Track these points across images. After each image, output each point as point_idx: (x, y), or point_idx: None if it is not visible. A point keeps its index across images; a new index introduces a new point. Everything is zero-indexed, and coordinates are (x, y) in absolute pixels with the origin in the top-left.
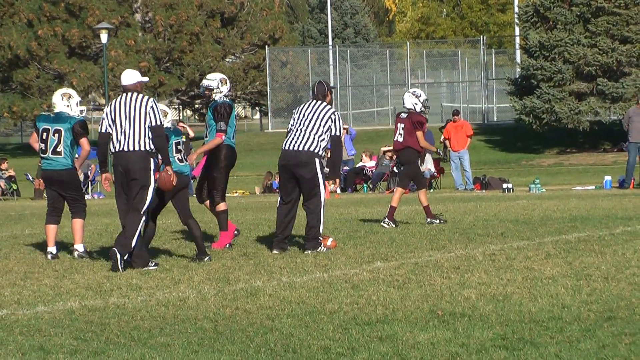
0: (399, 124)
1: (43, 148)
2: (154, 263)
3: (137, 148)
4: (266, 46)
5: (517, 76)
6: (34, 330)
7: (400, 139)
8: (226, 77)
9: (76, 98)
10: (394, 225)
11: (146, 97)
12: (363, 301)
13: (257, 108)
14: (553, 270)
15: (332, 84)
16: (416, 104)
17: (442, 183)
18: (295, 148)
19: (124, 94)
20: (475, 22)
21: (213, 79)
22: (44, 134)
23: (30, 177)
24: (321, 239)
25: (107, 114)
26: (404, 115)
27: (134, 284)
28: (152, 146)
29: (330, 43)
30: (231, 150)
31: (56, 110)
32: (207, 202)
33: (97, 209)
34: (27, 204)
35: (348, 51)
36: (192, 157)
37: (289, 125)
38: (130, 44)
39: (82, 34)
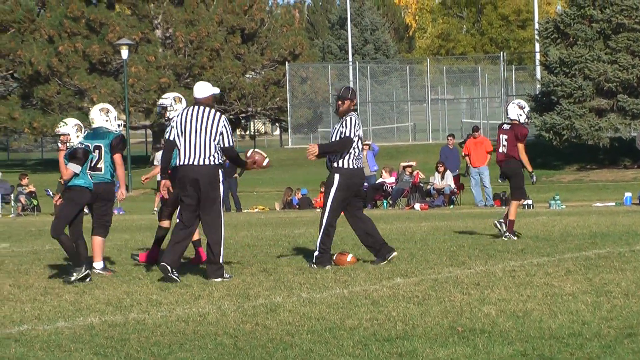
0: (501, 136)
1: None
2: (228, 275)
3: (206, 162)
4: (286, 62)
5: (537, 92)
6: (54, 346)
7: (504, 150)
8: (181, 96)
9: (114, 112)
10: (514, 238)
11: (219, 114)
12: (383, 317)
13: (277, 124)
14: (573, 287)
15: None
16: (520, 115)
17: (462, 199)
18: None
19: (196, 106)
20: (496, 39)
21: (167, 97)
22: None
23: (51, 193)
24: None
25: (177, 123)
26: (506, 126)
27: (154, 300)
28: (220, 160)
29: (350, 59)
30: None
31: (94, 125)
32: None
33: (117, 225)
34: (48, 220)
35: (368, 67)
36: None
37: None
38: (150, 59)
39: (102, 50)
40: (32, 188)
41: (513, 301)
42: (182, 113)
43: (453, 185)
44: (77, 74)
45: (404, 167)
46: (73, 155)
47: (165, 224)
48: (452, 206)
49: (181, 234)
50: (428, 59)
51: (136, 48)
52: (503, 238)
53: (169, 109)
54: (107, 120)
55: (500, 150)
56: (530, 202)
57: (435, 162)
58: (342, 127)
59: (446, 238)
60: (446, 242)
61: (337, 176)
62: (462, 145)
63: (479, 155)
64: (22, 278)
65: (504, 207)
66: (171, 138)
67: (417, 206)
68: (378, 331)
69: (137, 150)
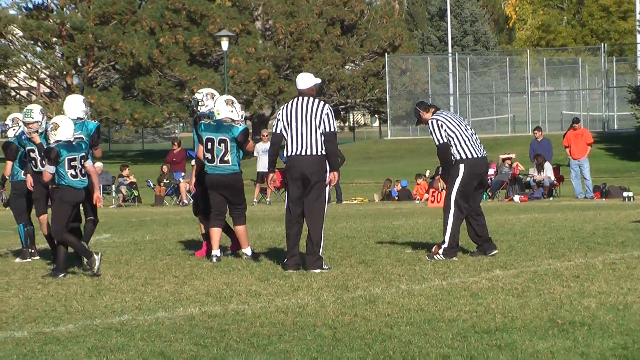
0: None
1: (210, 158)
2: (327, 266)
3: (313, 152)
4: (386, 54)
5: (639, 84)
6: (154, 336)
7: None
8: (215, 93)
9: (237, 104)
10: None
11: (322, 102)
12: (482, 309)
13: (376, 116)
14: None
15: (451, 92)
16: None
17: (562, 191)
18: None
19: (300, 98)
20: (596, 30)
21: (201, 92)
22: (209, 143)
23: (151, 184)
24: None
25: (282, 116)
26: None
27: (253, 291)
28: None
29: (449, 51)
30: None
31: (219, 117)
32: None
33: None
34: (148, 211)
35: (467, 59)
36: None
37: None
38: (250, 51)
39: (203, 41)
40: (132, 179)
41: (613, 294)
42: (287, 105)
43: (553, 177)
44: (178, 66)
45: (503, 160)
46: (47, 156)
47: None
48: (551, 198)
49: (295, 228)
50: (528, 51)
51: (236, 40)
52: None
53: (200, 104)
54: (232, 111)
55: None
56: (630, 194)
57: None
58: (432, 135)
59: (545, 230)
60: (545, 235)
61: (461, 166)
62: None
63: (579, 147)
64: (123, 268)
65: (603, 200)
66: (277, 131)
67: (516, 198)
68: (477, 323)
69: None
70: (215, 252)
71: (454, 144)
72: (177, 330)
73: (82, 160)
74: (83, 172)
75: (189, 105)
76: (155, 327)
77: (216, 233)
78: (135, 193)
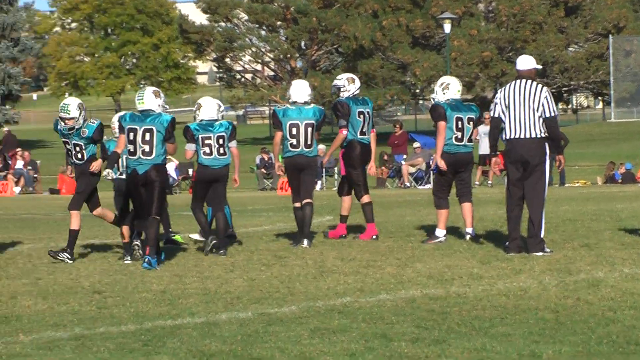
0: None
1: (460, 137)
2: (549, 249)
3: (532, 135)
4: (609, 35)
5: None
6: (376, 318)
7: None
8: (354, 77)
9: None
10: None
11: (540, 86)
12: None
13: (599, 98)
14: None
15: None
16: None
17: None
18: None
19: (518, 80)
20: None
21: (340, 79)
22: (459, 122)
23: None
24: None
25: (500, 99)
26: None
27: (475, 274)
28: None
29: None
30: (362, 145)
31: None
32: (347, 196)
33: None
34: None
35: None
36: (325, 159)
37: None
38: (472, 33)
39: (425, 24)
40: None
41: None
42: (505, 88)
43: None
44: (400, 48)
45: None
46: (184, 136)
47: (365, 199)
48: None
49: (516, 211)
50: None
51: (459, 22)
52: None
53: (342, 89)
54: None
55: None
56: None
57: None
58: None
59: None
60: None
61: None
62: None
63: None
64: (345, 251)
65: None
66: (495, 115)
67: None
68: None
69: None
70: (469, 229)
71: None
72: (398, 313)
73: (221, 140)
74: (221, 152)
75: (411, 88)
76: (377, 309)
77: (466, 209)
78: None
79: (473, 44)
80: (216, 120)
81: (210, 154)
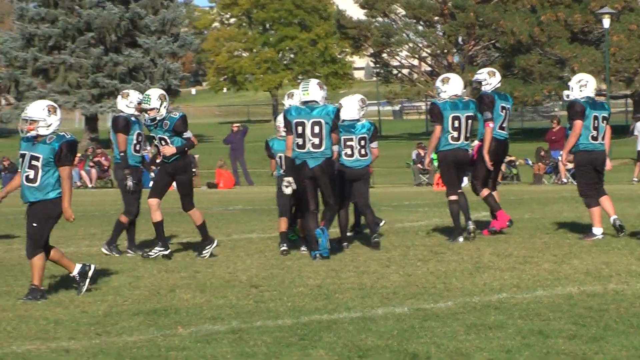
0: None
1: (595, 135)
2: None
3: None
4: None
5: None
6: (533, 314)
7: None
8: (495, 70)
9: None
10: None
11: None
12: None
13: None
14: None
15: None
16: None
17: None
18: None
19: None
20: None
21: (481, 72)
22: (595, 121)
23: (530, 162)
24: None
25: None
26: None
27: (633, 270)
28: None
29: None
30: (497, 141)
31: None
32: (485, 190)
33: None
34: (526, 189)
35: None
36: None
37: None
38: (632, 28)
39: (584, 19)
40: (513, 158)
41: None
42: None
43: None
44: (559, 44)
45: None
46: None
47: (484, 192)
48: None
49: None
50: None
51: (618, 17)
52: None
53: (483, 83)
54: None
55: None
56: None
57: None
58: None
59: None
60: None
61: None
62: None
63: None
64: (502, 246)
65: None
66: None
67: None
68: None
69: (617, 119)
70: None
71: None
72: (555, 309)
73: (362, 142)
74: (362, 153)
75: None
76: (533, 305)
77: (605, 203)
78: (515, 171)
79: (632, 39)
80: (358, 120)
81: (352, 155)
